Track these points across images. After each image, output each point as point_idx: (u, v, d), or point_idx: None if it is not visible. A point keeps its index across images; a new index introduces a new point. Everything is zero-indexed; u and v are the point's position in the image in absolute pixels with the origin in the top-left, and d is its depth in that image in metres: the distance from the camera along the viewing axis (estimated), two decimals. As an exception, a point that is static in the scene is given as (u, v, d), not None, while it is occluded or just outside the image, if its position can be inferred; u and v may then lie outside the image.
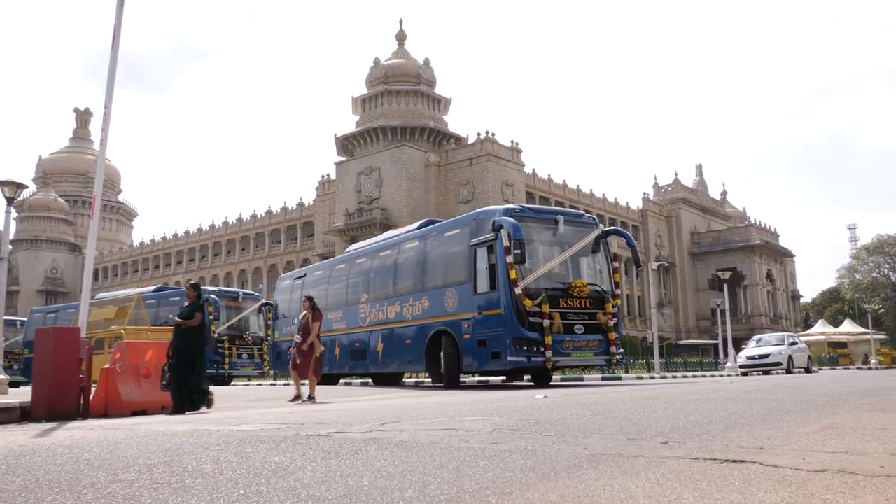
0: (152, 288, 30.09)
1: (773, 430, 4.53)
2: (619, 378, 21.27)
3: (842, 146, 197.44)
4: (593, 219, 14.31)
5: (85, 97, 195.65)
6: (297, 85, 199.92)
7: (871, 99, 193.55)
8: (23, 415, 7.91)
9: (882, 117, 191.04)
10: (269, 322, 23.24)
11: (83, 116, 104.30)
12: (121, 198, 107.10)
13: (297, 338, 10.73)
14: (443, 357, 13.69)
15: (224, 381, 22.65)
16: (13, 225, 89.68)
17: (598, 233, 13.71)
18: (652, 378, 21.61)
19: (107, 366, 8.78)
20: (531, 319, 12.17)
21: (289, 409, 8.49)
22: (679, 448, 3.74)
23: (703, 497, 2.56)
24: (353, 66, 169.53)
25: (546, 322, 12.17)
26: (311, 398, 10.25)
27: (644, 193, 73.48)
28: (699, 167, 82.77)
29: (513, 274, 12.23)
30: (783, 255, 79.51)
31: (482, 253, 13.06)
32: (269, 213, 76.24)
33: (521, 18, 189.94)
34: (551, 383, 14.95)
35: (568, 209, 13.95)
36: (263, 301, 25.65)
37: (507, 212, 12.97)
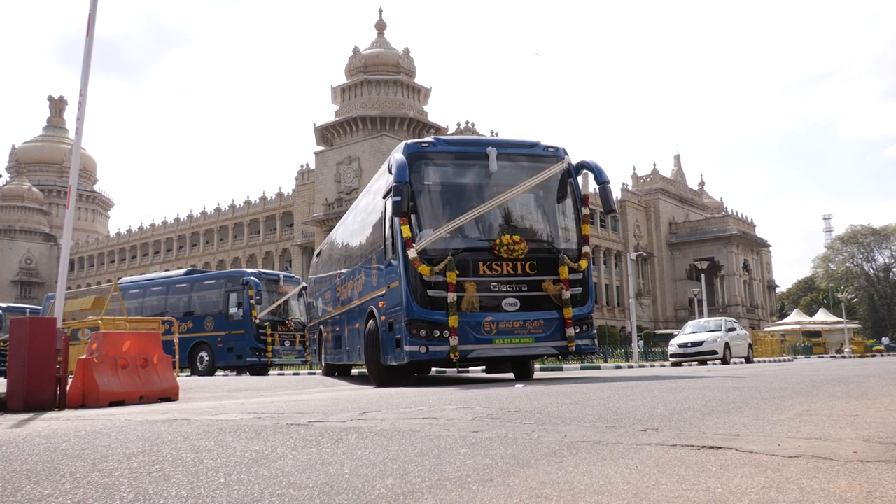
0: (182, 271, 27.10)
1: (749, 418, 4.58)
2: (598, 367, 21.53)
3: (822, 135, 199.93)
4: (555, 149, 10.34)
5: (59, 84, 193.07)
6: (277, 74, 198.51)
7: (852, 88, 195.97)
8: (-2, 406, 7.81)
9: (863, 107, 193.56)
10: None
11: (57, 104, 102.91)
12: (96, 187, 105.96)
13: None
14: (364, 345, 11.03)
15: (264, 370, 21.55)
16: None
17: (559, 169, 10.10)
18: (630, 367, 21.80)
19: (83, 356, 8.68)
20: (431, 293, 9.05)
21: (269, 398, 8.45)
22: (657, 435, 3.78)
23: (681, 482, 2.59)
24: (334, 55, 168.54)
25: (452, 296, 8.97)
26: None
27: (623, 184, 73.92)
28: (678, 158, 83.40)
29: (405, 231, 9.12)
30: (760, 246, 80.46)
31: (390, 206, 9.57)
32: (248, 203, 75.79)
33: (501, 8, 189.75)
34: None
35: (517, 139, 10.48)
36: (304, 284, 24.05)
37: (408, 147, 9.72)
